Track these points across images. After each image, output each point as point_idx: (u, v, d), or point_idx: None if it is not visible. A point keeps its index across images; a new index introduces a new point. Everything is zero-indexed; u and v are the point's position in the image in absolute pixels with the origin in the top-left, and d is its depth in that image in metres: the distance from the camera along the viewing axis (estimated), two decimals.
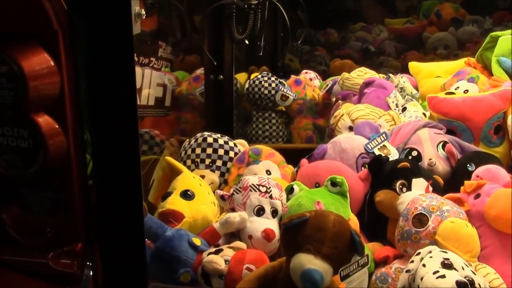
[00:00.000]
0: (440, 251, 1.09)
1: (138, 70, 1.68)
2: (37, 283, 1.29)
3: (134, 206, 1.03)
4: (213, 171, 1.58)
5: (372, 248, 1.33)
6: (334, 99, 2.37)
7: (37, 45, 1.13)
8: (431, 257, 1.08)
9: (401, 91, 2.17)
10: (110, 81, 0.95)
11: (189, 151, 1.61)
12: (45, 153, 1.25)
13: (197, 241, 1.21)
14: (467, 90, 1.83)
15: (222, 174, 1.60)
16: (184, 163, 1.60)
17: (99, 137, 1.00)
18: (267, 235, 1.24)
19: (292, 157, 1.69)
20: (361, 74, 2.29)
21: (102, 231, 1.07)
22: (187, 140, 1.66)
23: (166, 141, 1.82)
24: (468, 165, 1.48)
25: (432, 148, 1.56)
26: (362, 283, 1.07)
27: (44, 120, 1.27)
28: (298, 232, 1.04)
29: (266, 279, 1.11)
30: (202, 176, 1.54)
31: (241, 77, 2.69)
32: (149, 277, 1.15)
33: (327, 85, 2.59)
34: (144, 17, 0.97)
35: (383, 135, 1.60)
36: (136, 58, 1.58)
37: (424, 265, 1.06)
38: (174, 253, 1.18)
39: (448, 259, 1.06)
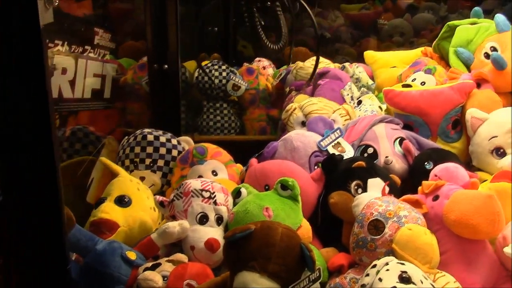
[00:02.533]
0: (398, 262, 1.00)
1: (69, 60, 1.52)
2: None
3: (50, 219, 0.90)
4: (154, 171, 1.45)
5: (325, 255, 1.24)
6: (287, 89, 2.27)
7: None
8: (387, 270, 0.99)
9: (356, 82, 2.09)
10: (17, 77, 0.81)
11: (127, 150, 1.47)
12: None
13: (132, 255, 1.09)
14: (424, 82, 1.76)
15: (164, 175, 1.47)
16: (123, 164, 1.46)
17: (7, 141, 0.86)
18: (211, 245, 1.13)
19: (245, 149, 1.58)
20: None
21: (16, 247, 0.93)
22: (126, 137, 1.52)
23: (105, 137, 1.67)
24: (426, 163, 1.40)
25: (389, 145, 1.48)
26: None
27: None
28: (242, 247, 0.93)
29: None
30: (142, 178, 1.41)
31: (190, 65, 2.57)
32: None
33: (281, 74, 2.50)
34: (56, 3, 0.83)
35: (337, 131, 1.51)
36: (64, 48, 1.42)
37: (380, 279, 0.97)
38: (106, 269, 1.05)
39: (406, 272, 0.97)
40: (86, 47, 1.63)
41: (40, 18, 0.80)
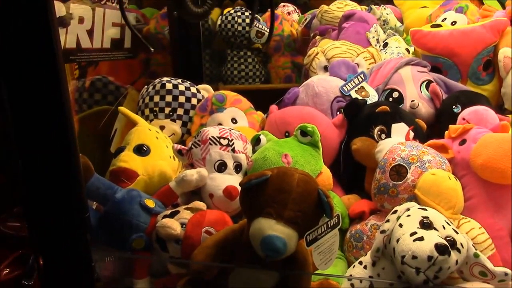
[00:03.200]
0: (419, 208, 0.98)
1: (86, 9, 1.49)
2: None
3: (66, 168, 0.90)
4: (174, 120, 1.43)
5: (347, 202, 1.22)
6: (312, 34, 2.19)
7: None
8: (408, 215, 0.96)
9: (384, 24, 2.00)
10: (22, 32, 0.79)
11: (147, 99, 1.46)
12: None
13: (151, 203, 1.08)
14: (455, 22, 1.66)
15: (184, 124, 1.45)
16: (142, 113, 1.45)
17: (16, 95, 0.85)
18: (229, 193, 1.12)
19: (271, 97, 1.54)
20: (341, 6, 2.10)
21: (33, 197, 0.94)
22: (145, 87, 1.50)
23: (126, 87, 1.66)
24: (453, 107, 1.35)
25: (415, 88, 1.42)
26: (332, 246, 0.95)
27: None
28: (258, 193, 0.91)
29: (226, 244, 0.99)
30: (162, 127, 1.40)
31: (214, 12, 2.49)
32: (98, 243, 1.04)
33: (306, 19, 2.41)
34: None
35: (361, 75, 1.45)
36: None
37: (400, 225, 0.94)
38: (125, 217, 1.05)
39: (427, 217, 0.94)
40: None
41: None
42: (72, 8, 1.45)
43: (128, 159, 1.18)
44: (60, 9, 1.39)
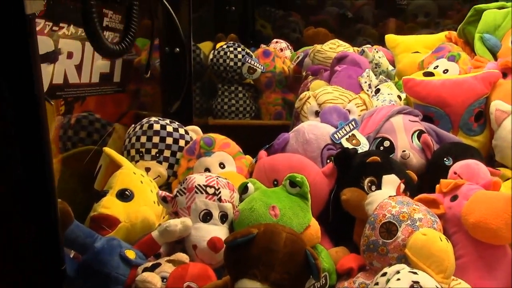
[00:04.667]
0: (410, 271, 0.94)
1: (75, 44, 1.47)
2: None
3: (43, 216, 0.87)
4: (160, 162, 1.40)
5: (335, 256, 1.18)
6: (304, 73, 2.19)
7: None
8: (398, 279, 0.92)
9: (376, 67, 2.00)
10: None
11: (133, 139, 1.42)
12: None
13: (131, 254, 1.04)
14: (447, 70, 1.66)
15: (170, 166, 1.42)
16: (128, 153, 1.42)
17: None
18: (214, 245, 1.08)
19: (261, 133, 1.52)
20: (333, 47, 2.11)
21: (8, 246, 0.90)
22: (132, 126, 1.47)
23: (112, 124, 1.62)
24: (445, 159, 1.33)
25: (406, 138, 1.40)
26: None
27: None
28: (243, 252, 0.88)
29: None
30: (148, 169, 1.37)
31: (206, 46, 2.50)
32: None
33: (298, 57, 2.42)
34: None
35: (352, 122, 1.43)
36: (70, 31, 1.37)
37: None
38: (103, 269, 1.01)
39: (417, 282, 0.91)
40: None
41: (27, 6, 0.75)
42: (61, 43, 1.42)
43: (110, 205, 1.14)
44: (48, 44, 1.36)
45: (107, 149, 1.30)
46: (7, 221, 0.86)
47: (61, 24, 1.41)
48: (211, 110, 2.40)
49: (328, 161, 1.36)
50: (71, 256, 1.09)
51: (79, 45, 1.51)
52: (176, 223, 1.08)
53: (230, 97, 2.36)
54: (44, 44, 1.34)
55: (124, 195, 1.18)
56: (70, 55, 1.48)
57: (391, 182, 1.24)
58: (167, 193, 1.16)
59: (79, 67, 1.52)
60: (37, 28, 1.31)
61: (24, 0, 0.72)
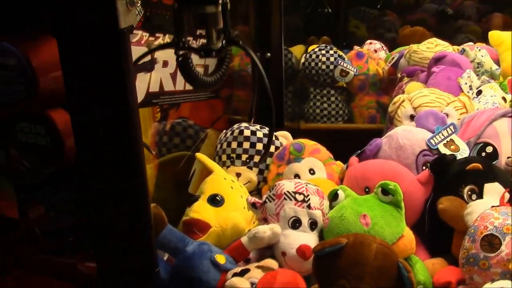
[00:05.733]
0: None
1: (170, 52, 1.52)
2: (62, 286, 1.23)
3: (138, 221, 0.89)
4: (250, 168, 1.40)
5: (431, 268, 1.12)
6: (399, 75, 2.11)
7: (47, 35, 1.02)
8: None
9: (478, 67, 1.88)
10: (98, 83, 0.80)
11: (224, 145, 1.44)
12: (62, 151, 1.16)
13: (221, 259, 1.05)
14: None
15: (260, 172, 1.42)
16: (220, 159, 1.44)
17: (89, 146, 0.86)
18: (303, 252, 1.06)
19: (353, 138, 1.49)
20: (431, 47, 2.01)
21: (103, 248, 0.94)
22: (224, 131, 1.49)
23: (205, 130, 1.66)
24: None
25: None
26: None
27: (61, 116, 1.18)
28: (331, 262, 0.86)
29: None
30: (238, 174, 1.38)
31: (298, 49, 2.49)
32: None
33: (393, 58, 2.33)
34: (139, 3, 0.80)
35: (451, 127, 1.35)
36: (165, 40, 1.42)
37: None
38: (194, 273, 1.03)
39: None
40: (188, 38, 1.61)
41: (121, 20, 0.78)
42: (157, 53, 1.48)
43: (201, 210, 1.17)
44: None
45: (199, 155, 1.33)
46: (105, 222, 0.90)
47: (157, 34, 1.47)
48: (303, 114, 2.38)
49: (424, 168, 1.30)
50: (165, 259, 1.12)
51: (171, 55, 1.56)
52: (265, 230, 1.08)
53: (322, 101, 2.32)
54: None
55: (215, 200, 1.20)
56: (165, 64, 1.53)
57: (494, 191, 1.15)
58: (257, 199, 1.16)
59: (174, 75, 1.57)
60: (135, 39, 1.37)
61: (118, 15, 0.74)
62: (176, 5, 0.92)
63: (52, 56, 0.90)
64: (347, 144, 1.48)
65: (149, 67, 1.46)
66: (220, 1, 0.93)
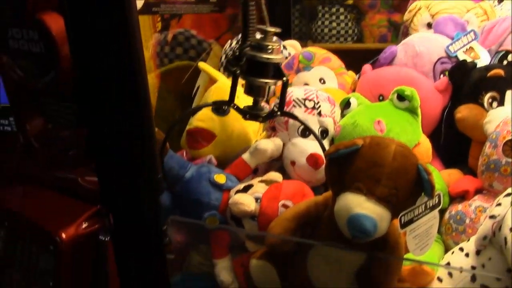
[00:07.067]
0: None
1: None
2: (63, 200, 1.20)
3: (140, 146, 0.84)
4: None
5: (447, 178, 1.07)
6: None
7: None
8: None
9: None
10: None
11: (229, 54, 1.36)
12: (57, 58, 1.10)
13: (221, 178, 1.00)
14: None
15: None
16: (225, 69, 1.36)
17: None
18: (314, 160, 1.01)
19: (363, 58, 1.40)
20: None
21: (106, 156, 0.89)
22: (228, 41, 1.41)
23: (209, 42, 1.57)
24: None
25: None
26: (429, 230, 0.83)
27: (55, 21, 1.10)
28: (346, 165, 0.80)
29: (307, 218, 0.89)
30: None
31: None
32: None
33: None
34: None
35: (471, 33, 1.26)
36: None
37: None
38: (193, 196, 0.98)
39: None
40: None
41: None
42: None
43: (205, 119, 1.10)
44: None
45: (202, 64, 1.25)
46: (109, 133, 0.85)
47: None
48: (311, 33, 2.28)
49: (442, 76, 1.22)
50: None
51: None
52: (267, 142, 1.03)
53: (331, 20, 2.23)
54: None
55: (220, 109, 1.13)
56: None
57: None
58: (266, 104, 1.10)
59: None
60: None
61: None
62: None
63: None
64: (357, 64, 1.40)
65: None
66: None
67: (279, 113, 0.97)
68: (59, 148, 1.27)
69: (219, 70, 1.35)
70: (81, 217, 1.16)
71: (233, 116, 1.12)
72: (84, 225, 1.16)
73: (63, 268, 1.12)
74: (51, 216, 1.17)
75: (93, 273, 1.15)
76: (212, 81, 1.25)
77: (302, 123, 1.00)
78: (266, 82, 0.92)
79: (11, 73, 1.18)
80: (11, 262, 1.21)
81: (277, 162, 1.10)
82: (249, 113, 0.96)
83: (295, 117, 1.00)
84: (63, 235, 1.11)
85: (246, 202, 0.92)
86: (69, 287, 1.13)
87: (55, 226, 1.13)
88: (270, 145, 1.02)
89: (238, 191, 0.97)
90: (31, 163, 1.31)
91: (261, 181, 0.98)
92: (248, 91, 0.95)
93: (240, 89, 0.96)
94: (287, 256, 0.91)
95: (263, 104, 0.98)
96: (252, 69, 0.92)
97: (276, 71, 0.93)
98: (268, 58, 0.90)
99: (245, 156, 1.04)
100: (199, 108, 1.09)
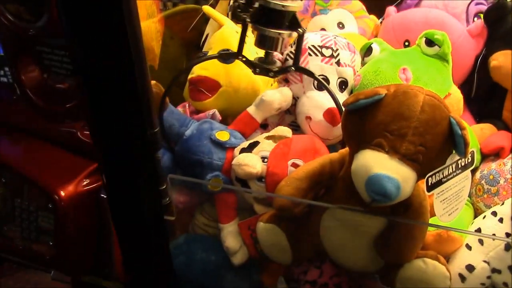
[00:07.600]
0: None
1: None
2: (63, 155, 1.14)
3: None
4: None
5: (480, 133, 0.98)
6: None
7: None
8: None
9: None
10: None
11: None
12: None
13: (223, 136, 0.91)
14: None
15: None
16: (233, 15, 1.25)
17: None
18: (332, 116, 0.91)
19: (383, 3, 1.29)
20: None
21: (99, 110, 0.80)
22: None
23: None
24: None
25: None
26: (460, 192, 0.73)
27: None
28: (366, 117, 0.70)
29: (320, 177, 0.80)
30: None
31: None
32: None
33: None
34: None
35: None
36: None
37: None
38: (194, 156, 0.90)
39: None
40: None
41: None
42: None
43: (209, 67, 1.00)
44: None
45: (206, 7, 1.13)
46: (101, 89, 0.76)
47: None
48: None
49: (476, 19, 1.12)
50: None
51: None
52: (273, 92, 0.93)
53: None
54: None
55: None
56: None
57: None
58: (277, 54, 0.99)
59: None
60: None
61: None
62: None
63: None
64: (379, 6, 1.27)
65: None
66: None
67: (293, 68, 0.88)
68: (57, 100, 1.20)
69: (227, 14, 1.24)
70: (81, 174, 1.10)
71: (241, 64, 1.02)
72: (84, 182, 1.09)
73: (63, 227, 1.07)
74: (49, 172, 1.11)
75: (95, 232, 1.09)
76: (217, 22, 1.14)
77: (318, 80, 0.90)
78: (279, 33, 0.82)
79: (1, 19, 1.10)
80: (10, 218, 1.16)
81: (291, 116, 1.00)
82: (259, 67, 0.86)
83: (311, 74, 0.90)
84: (62, 193, 1.05)
85: (251, 163, 0.83)
86: (70, 246, 1.08)
87: (54, 184, 1.06)
88: (276, 95, 0.92)
89: (243, 150, 0.88)
90: (28, 115, 1.25)
91: (268, 137, 0.89)
92: (259, 42, 0.85)
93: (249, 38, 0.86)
94: (297, 220, 0.83)
95: (275, 55, 0.87)
96: (265, 17, 0.81)
97: (291, 20, 0.82)
98: (284, 6, 0.78)
99: (251, 109, 0.94)
100: (201, 59, 0.98)
